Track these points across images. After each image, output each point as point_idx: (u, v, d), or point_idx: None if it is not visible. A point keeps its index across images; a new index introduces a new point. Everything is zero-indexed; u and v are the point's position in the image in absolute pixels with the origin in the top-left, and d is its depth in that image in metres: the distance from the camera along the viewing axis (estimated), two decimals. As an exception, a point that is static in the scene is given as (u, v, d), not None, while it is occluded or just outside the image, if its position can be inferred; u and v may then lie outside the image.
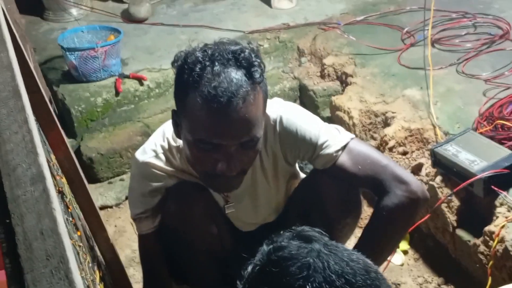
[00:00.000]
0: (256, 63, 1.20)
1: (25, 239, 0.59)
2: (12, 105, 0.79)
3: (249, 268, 0.82)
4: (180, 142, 1.31)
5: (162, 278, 1.53)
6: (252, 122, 1.20)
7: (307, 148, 1.33)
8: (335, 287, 0.70)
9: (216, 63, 1.16)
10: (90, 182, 2.05)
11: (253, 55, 1.21)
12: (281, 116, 1.36)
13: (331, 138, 1.24)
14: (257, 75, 1.19)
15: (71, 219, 1.13)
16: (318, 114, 1.89)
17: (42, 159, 0.70)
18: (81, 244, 1.16)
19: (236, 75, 1.17)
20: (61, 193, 1.12)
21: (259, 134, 1.23)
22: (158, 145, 1.36)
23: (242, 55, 1.19)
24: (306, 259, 0.73)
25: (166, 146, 1.34)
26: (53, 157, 1.24)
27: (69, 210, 1.15)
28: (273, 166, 1.42)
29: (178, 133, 1.26)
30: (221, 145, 1.19)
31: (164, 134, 1.37)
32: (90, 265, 1.24)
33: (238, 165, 1.22)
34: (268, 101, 1.35)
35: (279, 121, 1.36)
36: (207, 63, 1.16)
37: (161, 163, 1.37)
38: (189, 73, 1.17)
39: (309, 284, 0.71)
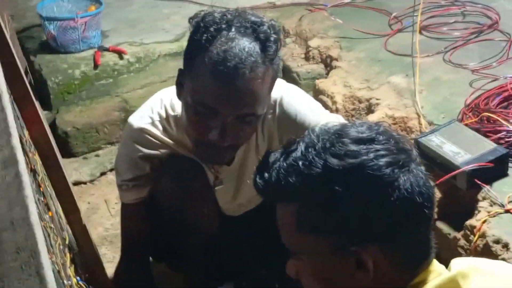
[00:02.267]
0: (272, 38, 1.18)
1: None
2: None
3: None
4: (178, 111, 1.28)
5: (142, 252, 1.53)
6: (255, 96, 1.17)
7: (300, 132, 1.33)
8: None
9: (233, 28, 1.15)
10: (64, 156, 2.03)
11: (272, 31, 1.19)
12: (282, 98, 1.35)
13: None
14: (271, 51, 1.17)
15: (42, 198, 1.11)
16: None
17: (16, 140, 0.67)
18: (52, 226, 1.12)
19: (250, 45, 1.15)
20: (33, 171, 1.09)
21: (259, 111, 1.21)
22: (155, 111, 1.32)
23: (261, 28, 1.17)
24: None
25: (164, 114, 1.30)
26: (26, 132, 1.21)
27: (41, 189, 1.13)
28: (267, 147, 1.39)
29: (179, 94, 1.23)
30: (218, 112, 1.16)
31: (162, 102, 1.33)
32: (61, 247, 1.21)
33: (231, 137, 1.20)
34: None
35: (279, 103, 1.35)
36: (223, 26, 1.15)
37: (157, 131, 1.34)
38: (203, 32, 1.16)
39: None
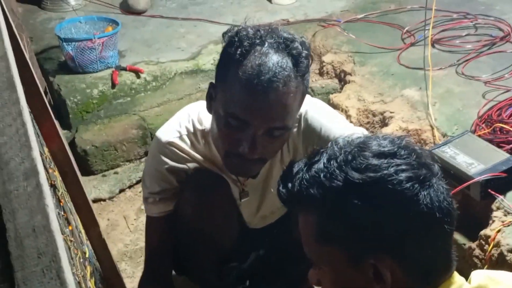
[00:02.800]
0: (304, 54, 1.20)
1: (16, 236, 0.58)
2: (7, 97, 0.78)
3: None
4: (205, 125, 1.30)
5: (165, 264, 1.56)
6: (287, 110, 1.19)
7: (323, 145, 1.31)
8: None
9: (266, 44, 1.17)
10: (83, 174, 2.06)
11: (303, 47, 1.21)
12: (307, 111, 1.36)
13: None
14: (302, 66, 1.19)
15: (62, 213, 1.13)
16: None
17: (36, 153, 0.69)
18: (72, 239, 1.15)
19: (283, 60, 1.18)
20: (53, 186, 1.11)
21: (290, 125, 1.23)
22: (183, 126, 1.34)
23: (293, 44, 1.20)
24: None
25: (191, 128, 1.32)
26: (46, 149, 1.24)
27: (61, 204, 1.15)
28: (292, 160, 1.39)
29: (210, 107, 1.25)
30: (250, 125, 1.18)
31: (189, 116, 1.35)
32: (82, 260, 1.23)
33: (261, 150, 1.21)
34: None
35: (304, 116, 1.36)
36: (257, 41, 1.17)
37: (184, 145, 1.35)
38: (237, 47, 1.18)
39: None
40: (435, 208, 0.84)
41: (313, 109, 1.38)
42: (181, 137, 1.34)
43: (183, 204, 1.39)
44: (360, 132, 1.26)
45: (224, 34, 1.24)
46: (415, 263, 0.87)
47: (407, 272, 0.87)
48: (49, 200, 0.62)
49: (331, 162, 0.86)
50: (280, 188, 0.92)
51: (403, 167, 0.84)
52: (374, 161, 0.84)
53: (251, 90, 1.17)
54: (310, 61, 1.26)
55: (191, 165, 1.39)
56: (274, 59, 1.17)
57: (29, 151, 0.68)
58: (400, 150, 0.86)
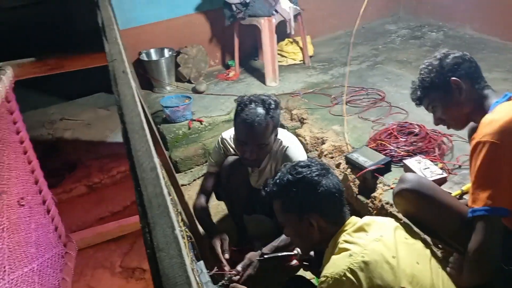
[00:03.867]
0: (272, 106, 1.77)
1: (148, 197, 0.79)
2: (141, 134, 1.00)
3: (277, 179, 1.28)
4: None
5: (208, 196, 2.12)
6: (265, 135, 1.76)
7: None
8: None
9: (252, 104, 1.76)
10: (176, 172, 2.56)
11: (273, 103, 1.77)
12: (288, 147, 1.93)
13: None
14: (271, 113, 1.76)
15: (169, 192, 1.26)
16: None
17: (155, 159, 0.90)
18: (172, 202, 1.31)
19: (259, 110, 1.73)
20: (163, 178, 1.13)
21: (266, 142, 1.78)
22: (230, 135, 2.01)
23: (267, 101, 1.77)
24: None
25: (232, 137, 1.93)
26: (158, 160, 1.23)
27: (166, 185, 1.20)
28: (275, 165, 2.02)
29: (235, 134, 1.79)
30: (247, 144, 1.78)
31: (232, 131, 1.92)
32: (177, 212, 1.53)
33: (255, 155, 1.81)
34: (287, 133, 1.99)
35: (285, 149, 1.93)
36: (247, 103, 1.78)
37: (230, 142, 2.00)
38: (239, 107, 1.80)
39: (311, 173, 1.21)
40: (331, 188, 1.28)
41: (292, 147, 1.93)
42: (230, 138, 2.02)
43: (224, 170, 2.07)
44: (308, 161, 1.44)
45: (235, 100, 1.89)
46: (329, 215, 1.30)
47: (326, 221, 1.31)
48: (162, 182, 0.83)
49: (281, 174, 1.35)
50: (264, 190, 1.40)
51: (314, 170, 1.31)
52: (299, 169, 1.32)
53: (244, 128, 1.75)
54: (276, 108, 1.77)
55: (228, 152, 2.04)
56: (255, 111, 1.73)
57: (152, 158, 0.90)
58: (312, 164, 1.34)
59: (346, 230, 1.29)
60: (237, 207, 2.30)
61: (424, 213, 1.51)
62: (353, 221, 1.32)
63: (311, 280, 1.77)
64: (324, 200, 1.30)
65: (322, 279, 1.21)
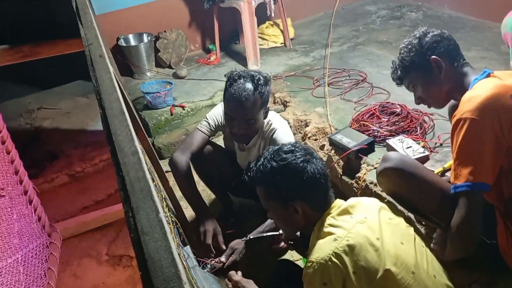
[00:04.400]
0: (261, 82, 1.77)
1: (130, 182, 0.79)
2: (121, 118, 1.01)
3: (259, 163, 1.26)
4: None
5: (193, 154, 2.01)
6: (252, 110, 1.76)
7: None
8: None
9: (241, 79, 1.77)
10: (160, 159, 2.41)
11: (262, 79, 1.76)
12: (277, 130, 1.93)
13: None
14: (259, 88, 1.76)
15: (152, 177, 1.23)
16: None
17: (137, 144, 0.91)
18: (156, 187, 1.34)
19: (248, 86, 1.74)
20: (147, 164, 1.17)
21: (254, 118, 1.77)
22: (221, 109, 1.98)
23: (256, 77, 1.78)
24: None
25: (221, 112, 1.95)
26: (141, 146, 1.43)
27: (149, 171, 1.19)
28: (263, 146, 2.03)
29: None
30: (235, 118, 1.80)
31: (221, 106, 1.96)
32: (161, 198, 1.52)
33: (243, 130, 1.82)
34: (278, 117, 1.97)
35: (274, 131, 1.93)
36: (236, 78, 1.79)
37: (220, 114, 2.00)
38: (228, 82, 1.81)
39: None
40: (316, 173, 1.26)
41: (280, 130, 1.93)
42: (220, 113, 1.97)
43: (215, 147, 2.11)
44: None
45: (225, 75, 1.89)
46: (313, 200, 1.28)
47: (311, 206, 1.29)
48: (144, 165, 0.84)
49: (264, 160, 1.30)
50: (245, 176, 1.36)
51: (298, 156, 1.27)
52: (283, 155, 1.28)
53: (233, 102, 1.77)
54: (266, 84, 1.77)
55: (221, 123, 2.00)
56: (243, 86, 1.74)
57: (133, 143, 0.91)
58: (296, 149, 1.30)
59: (331, 213, 1.29)
60: (220, 184, 2.31)
61: (407, 190, 1.53)
62: (338, 204, 1.32)
63: (299, 261, 1.78)
64: (309, 187, 1.28)
65: (308, 264, 1.22)
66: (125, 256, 2.43)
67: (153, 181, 1.20)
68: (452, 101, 1.69)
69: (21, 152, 2.19)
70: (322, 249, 1.20)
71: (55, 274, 2.08)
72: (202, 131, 2.09)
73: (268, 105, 1.93)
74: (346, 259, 1.18)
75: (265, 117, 1.92)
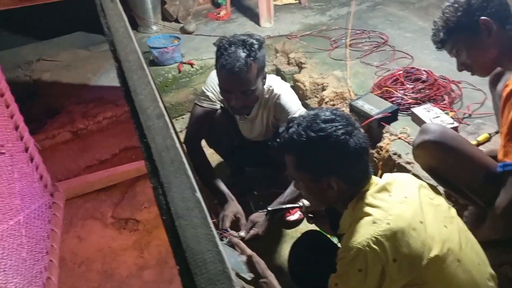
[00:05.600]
0: (254, 47, 1.59)
1: (157, 151, 0.70)
2: (141, 74, 0.91)
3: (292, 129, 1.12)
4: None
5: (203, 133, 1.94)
6: (248, 79, 1.62)
7: (285, 117, 1.74)
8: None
9: (232, 47, 1.61)
10: None
11: (255, 43, 1.60)
12: (280, 95, 1.80)
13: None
14: (253, 54, 1.59)
15: None
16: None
17: (161, 105, 0.82)
18: None
19: (241, 53, 1.58)
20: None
21: (252, 88, 1.64)
22: (215, 79, 1.81)
23: (248, 42, 1.61)
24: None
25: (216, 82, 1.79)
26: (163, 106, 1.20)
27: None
28: (267, 114, 1.93)
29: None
30: (231, 90, 1.66)
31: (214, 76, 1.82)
32: None
33: (241, 102, 1.68)
34: (278, 79, 1.83)
35: (277, 97, 1.81)
36: (227, 46, 1.63)
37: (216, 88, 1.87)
38: (219, 50, 1.66)
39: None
40: (357, 147, 1.13)
41: (284, 95, 1.81)
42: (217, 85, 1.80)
43: (216, 120, 1.96)
44: (304, 111, 1.34)
45: (214, 43, 1.71)
46: (351, 177, 1.16)
47: (346, 182, 1.17)
48: (172, 130, 0.76)
49: (299, 127, 1.15)
50: (274, 142, 1.21)
51: (339, 127, 1.12)
52: (322, 125, 1.13)
53: (226, 73, 1.61)
54: (260, 48, 1.61)
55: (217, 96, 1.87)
56: (235, 54, 1.58)
57: (157, 103, 0.83)
58: (337, 117, 1.15)
59: (369, 191, 1.18)
60: (226, 154, 2.24)
61: (446, 165, 1.42)
62: (375, 181, 1.21)
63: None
64: (348, 163, 1.16)
65: (343, 249, 1.12)
66: (131, 220, 2.34)
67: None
68: (497, 68, 1.55)
69: (21, 106, 2.05)
70: (361, 233, 1.09)
71: (58, 236, 1.98)
72: (204, 107, 1.96)
73: (265, 70, 1.79)
74: (387, 244, 1.07)
75: (263, 84, 1.79)
